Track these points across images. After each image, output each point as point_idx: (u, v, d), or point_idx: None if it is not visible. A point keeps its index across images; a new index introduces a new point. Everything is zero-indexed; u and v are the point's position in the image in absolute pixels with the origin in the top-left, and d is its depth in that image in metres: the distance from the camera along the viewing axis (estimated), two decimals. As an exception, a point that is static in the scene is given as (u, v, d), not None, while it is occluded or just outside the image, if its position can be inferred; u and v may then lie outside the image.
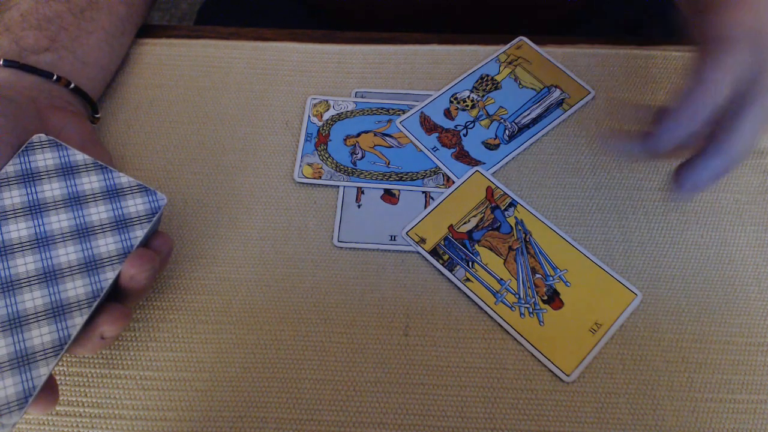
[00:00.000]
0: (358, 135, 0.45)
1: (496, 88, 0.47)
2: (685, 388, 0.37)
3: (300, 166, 0.44)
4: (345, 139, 0.45)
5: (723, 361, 0.38)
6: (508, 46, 0.49)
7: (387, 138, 0.45)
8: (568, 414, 0.36)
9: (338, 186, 0.43)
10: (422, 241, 0.41)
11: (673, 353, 0.38)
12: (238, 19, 0.62)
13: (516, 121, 0.46)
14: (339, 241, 0.41)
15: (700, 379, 0.37)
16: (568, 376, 0.37)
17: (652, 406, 0.36)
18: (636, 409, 0.36)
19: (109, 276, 0.32)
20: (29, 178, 0.34)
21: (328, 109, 0.46)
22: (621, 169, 0.44)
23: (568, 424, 0.36)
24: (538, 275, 0.40)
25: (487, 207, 0.42)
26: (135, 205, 0.35)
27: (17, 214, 0.33)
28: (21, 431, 0.36)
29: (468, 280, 0.39)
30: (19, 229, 0.33)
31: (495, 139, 0.45)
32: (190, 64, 0.49)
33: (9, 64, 0.39)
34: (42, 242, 0.33)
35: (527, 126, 0.46)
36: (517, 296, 0.39)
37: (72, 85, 0.41)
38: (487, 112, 0.46)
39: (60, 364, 0.38)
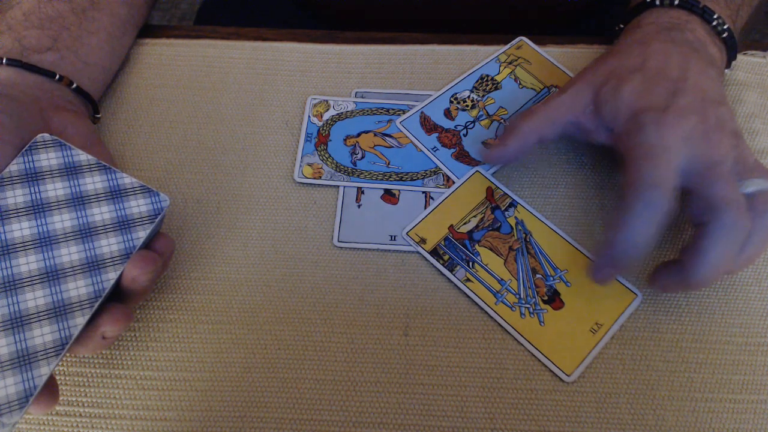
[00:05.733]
0: (358, 135, 0.45)
1: (496, 88, 0.47)
2: (685, 388, 0.37)
3: (300, 166, 0.44)
4: (345, 139, 0.45)
5: (723, 361, 0.38)
6: (508, 46, 0.50)
7: (387, 138, 0.45)
8: (568, 414, 0.36)
9: (338, 186, 0.43)
10: (423, 241, 0.41)
11: (673, 353, 0.38)
12: (238, 19, 0.62)
13: (516, 121, 0.46)
14: (339, 241, 0.41)
15: (700, 379, 0.37)
16: (568, 376, 0.37)
17: (652, 406, 0.36)
18: (636, 409, 0.36)
19: (111, 276, 0.33)
20: (32, 177, 0.34)
21: (328, 109, 0.46)
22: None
23: (568, 424, 0.36)
24: (538, 275, 0.40)
25: (487, 207, 0.42)
26: (138, 206, 0.35)
27: (20, 214, 0.33)
28: (21, 431, 0.36)
29: (468, 280, 0.40)
30: (21, 229, 0.33)
31: (495, 139, 0.45)
32: (190, 64, 0.49)
33: (11, 62, 0.39)
34: (44, 242, 0.33)
35: (527, 126, 0.46)
36: (518, 296, 0.39)
37: (74, 85, 0.41)
38: (487, 112, 0.46)
39: (60, 363, 0.38)
